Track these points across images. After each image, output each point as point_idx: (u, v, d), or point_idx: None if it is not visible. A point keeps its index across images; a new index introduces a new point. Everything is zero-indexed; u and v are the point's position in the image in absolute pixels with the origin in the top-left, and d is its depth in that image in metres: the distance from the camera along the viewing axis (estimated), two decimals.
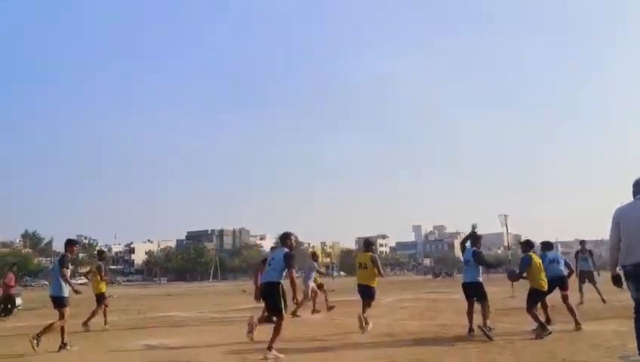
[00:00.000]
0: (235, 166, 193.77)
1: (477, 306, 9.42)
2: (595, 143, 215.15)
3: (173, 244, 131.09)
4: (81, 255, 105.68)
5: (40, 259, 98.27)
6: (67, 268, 9.17)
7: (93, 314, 12.66)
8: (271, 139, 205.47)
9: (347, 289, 36.48)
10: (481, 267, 9.59)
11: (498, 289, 18.42)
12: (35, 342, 8.44)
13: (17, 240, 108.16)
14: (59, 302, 9.03)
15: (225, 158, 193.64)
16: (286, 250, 8.08)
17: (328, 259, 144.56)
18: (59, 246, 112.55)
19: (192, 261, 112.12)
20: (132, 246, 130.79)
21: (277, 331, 7.60)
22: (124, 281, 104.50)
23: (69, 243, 9.82)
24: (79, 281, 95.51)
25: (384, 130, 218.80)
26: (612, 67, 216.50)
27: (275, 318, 7.84)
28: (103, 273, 13.28)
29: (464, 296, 9.66)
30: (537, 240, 9.91)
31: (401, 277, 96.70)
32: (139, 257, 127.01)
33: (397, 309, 16.66)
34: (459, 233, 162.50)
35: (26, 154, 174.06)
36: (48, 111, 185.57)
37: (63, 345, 8.84)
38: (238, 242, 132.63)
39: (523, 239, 10.93)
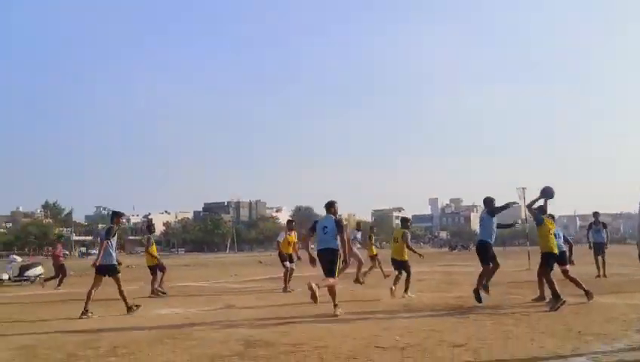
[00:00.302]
0: (252, 139, 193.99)
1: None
2: (618, 118, 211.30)
3: (190, 216, 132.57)
4: (100, 225, 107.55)
5: (60, 229, 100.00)
6: (111, 239, 9.66)
7: (152, 283, 13.42)
8: (293, 113, 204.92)
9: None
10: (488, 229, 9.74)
11: (514, 261, 18.38)
12: (130, 310, 9.51)
13: (38, 211, 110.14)
14: (111, 270, 9.63)
15: (243, 131, 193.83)
16: (333, 217, 8.82)
17: None
18: (78, 217, 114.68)
19: (209, 232, 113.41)
20: (150, 217, 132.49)
21: (332, 292, 8.68)
22: (142, 252, 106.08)
23: (115, 215, 10.28)
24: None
25: (401, 103, 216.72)
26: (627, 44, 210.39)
27: (329, 279, 8.59)
28: (152, 245, 14.20)
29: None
30: (555, 213, 9.75)
31: (417, 250, 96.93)
32: (156, 228, 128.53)
33: (413, 282, 16.70)
34: (475, 206, 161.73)
35: (47, 126, 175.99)
36: (68, 82, 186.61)
37: (85, 312, 9.14)
38: (254, 214, 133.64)
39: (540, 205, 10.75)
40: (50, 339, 6.97)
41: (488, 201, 9.97)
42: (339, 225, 8.63)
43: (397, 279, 11.30)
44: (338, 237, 8.56)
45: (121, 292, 9.62)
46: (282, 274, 13.73)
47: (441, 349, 5.82)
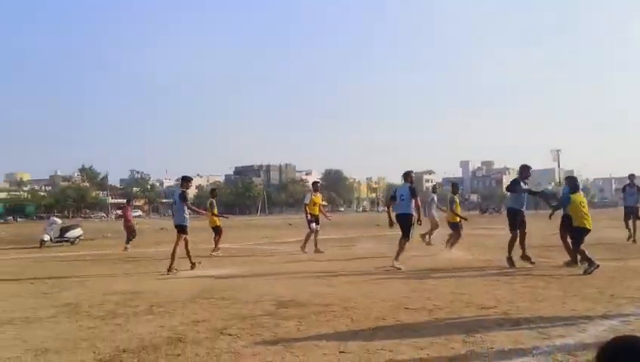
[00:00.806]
0: (281, 102, 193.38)
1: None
2: None
3: (221, 179, 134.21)
4: (135, 189, 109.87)
5: (97, 192, 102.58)
6: (187, 201, 10.93)
7: (216, 243, 14.54)
8: (321, 75, 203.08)
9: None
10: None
11: (545, 225, 18.09)
12: (194, 266, 10.48)
13: (75, 175, 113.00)
14: (182, 229, 10.61)
15: (273, 94, 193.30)
16: (409, 184, 10.28)
17: (374, 195, 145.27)
18: (113, 180, 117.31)
19: (240, 195, 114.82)
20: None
21: (401, 248, 9.92)
22: None
23: (185, 180, 11.52)
24: (134, 214, 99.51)
25: (432, 64, 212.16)
26: None
27: (403, 239, 9.99)
28: (214, 208, 15.62)
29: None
30: (591, 176, 9.55)
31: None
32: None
33: (441, 244, 16.70)
34: (507, 169, 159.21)
35: (83, 91, 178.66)
36: (105, 46, 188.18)
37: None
38: (284, 177, 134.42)
39: (568, 175, 10.67)
40: (92, 298, 7.27)
41: (523, 168, 10.21)
42: (413, 192, 10.08)
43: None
44: (413, 203, 9.95)
45: (187, 251, 10.53)
46: (307, 237, 13.83)
47: (470, 311, 5.86)
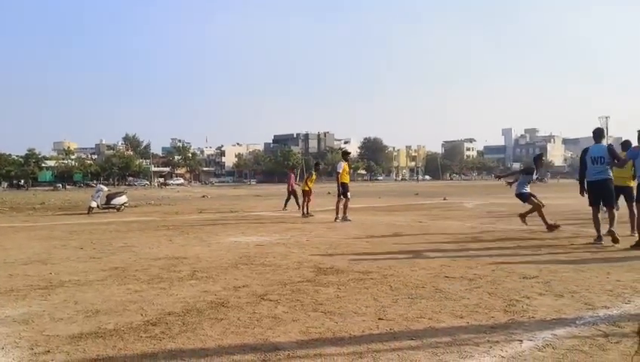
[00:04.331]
0: (321, 71, 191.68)
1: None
2: None
3: (260, 148, 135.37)
4: (176, 157, 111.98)
5: (140, 160, 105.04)
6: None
7: (303, 206, 16.29)
8: (360, 42, 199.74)
9: (429, 193, 36.35)
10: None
11: None
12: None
13: (120, 143, 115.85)
14: (524, 197, 11.04)
15: (312, 64, 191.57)
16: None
17: (413, 163, 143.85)
18: (156, 149, 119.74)
19: (279, 163, 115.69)
20: (222, 149, 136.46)
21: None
22: (216, 182, 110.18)
23: (539, 158, 11.77)
24: (176, 182, 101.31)
25: (476, 23, 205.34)
26: None
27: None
28: (310, 176, 17.29)
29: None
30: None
31: (489, 181, 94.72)
32: (229, 160, 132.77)
33: (482, 214, 16.49)
34: (552, 136, 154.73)
35: (126, 62, 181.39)
36: (140, 20, 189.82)
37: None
38: (322, 146, 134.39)
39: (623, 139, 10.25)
40: (138, 263, 7.52)
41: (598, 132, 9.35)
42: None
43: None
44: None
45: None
46: (341, 204, 13.91)
47: (511, 280, 5.79)
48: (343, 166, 14.10)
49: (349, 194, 13.98)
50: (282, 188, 24.78)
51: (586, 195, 9.20)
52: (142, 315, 4.65)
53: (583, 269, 6.38)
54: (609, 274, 6.03)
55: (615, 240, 8.36)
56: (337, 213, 13.86)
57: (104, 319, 4.55)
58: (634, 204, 8.97)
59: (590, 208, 9.13)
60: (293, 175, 21.08)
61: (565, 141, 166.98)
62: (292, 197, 19.73)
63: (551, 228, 10.39)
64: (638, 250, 7.79)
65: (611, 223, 8.62)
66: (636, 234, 8.70)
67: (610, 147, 8.95)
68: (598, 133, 9.19)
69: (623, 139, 10.17)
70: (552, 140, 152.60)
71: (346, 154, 14.99)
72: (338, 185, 13.99)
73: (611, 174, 8.97)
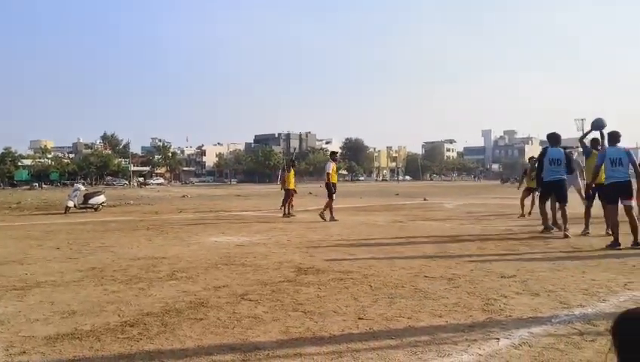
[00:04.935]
0: (302, 71, 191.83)
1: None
2: None
3: (241, 147, 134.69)
4: (156, 157, 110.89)
5: (119, 160, 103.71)
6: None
7: (284, 205, 16.03)
8: (342, 42, 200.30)
9: (410, 193, 36.62)
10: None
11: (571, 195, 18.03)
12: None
13: (98, 142, 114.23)
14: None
15: (294, 63, 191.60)
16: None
17: (394, 164, 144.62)
18: (135, 148, 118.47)
19: (260, 163, 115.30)
20: (203, 148, 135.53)
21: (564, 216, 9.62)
22: (196, 182, 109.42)
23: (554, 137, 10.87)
24: (156, 181, 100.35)
25: (452, 26, 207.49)
26: None
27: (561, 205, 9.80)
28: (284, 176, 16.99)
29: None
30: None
31: (468, 182, 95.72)
32: (210, 159, 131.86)
33: (462, 214, 16.66)
34: (530, 138, 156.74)
35: (104, 60, 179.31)
36: (126, 17, 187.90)
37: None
38: (304, 146, 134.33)
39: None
40: (116, 263, 7.43)
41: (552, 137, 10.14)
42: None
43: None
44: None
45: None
46: (327, 205, 13.97)
47: (490, 280, 5.86)
48: (331, 166, 14.21)
49: (334, 195, 14.07)
50: (263, 188, 24.74)
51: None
52: (119, 316, 4.60)
53: (559, 268, 6.48)
54: (584, 274, 6.13)
55: (566, 236, 9.21)
56: (331, 213, 13.89)
57: (81, 320, 4.49)
58: (610, 206, 9.12)
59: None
60: (287, 174, 21.13)
61: (542, 143, 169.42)
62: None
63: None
64: (612, 250, 7.93)
65: (565, 221, 9.52)
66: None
67: (567, 152, 9.85)
68: (554, 138, 10.06)
69: (592, 137, 10.42)
70: (530, 142, 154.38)
71: (333, 155, 15.15)
72: (328, 186, 14.07)
73: (565, 175, 9.79)
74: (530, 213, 13.39)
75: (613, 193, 8.53)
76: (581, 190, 11.15)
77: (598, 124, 9.92)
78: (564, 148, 10.17)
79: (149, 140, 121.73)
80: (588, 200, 9.76)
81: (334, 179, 14.27)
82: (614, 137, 8.80)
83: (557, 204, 10.00)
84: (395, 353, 3.57)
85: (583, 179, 11.13)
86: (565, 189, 9.86)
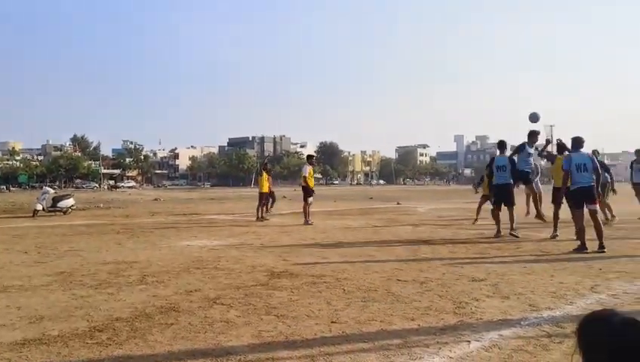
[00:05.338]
0: (277, 74, 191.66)
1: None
2: None
3: (215, 150, 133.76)
4: (128, 159, 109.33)
5: (89, 162, 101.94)
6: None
7: (259, 209, 15.77)
8: (317, 46, 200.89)
9: (383, 197, 36.84)
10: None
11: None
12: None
13: (67, 144, 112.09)
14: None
15: (269, 67, 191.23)
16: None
17: (368, 168, 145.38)
18: (106, 151, 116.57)
19: (234, 167, 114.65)
20: (176, 151, 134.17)
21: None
22: (169, 185, 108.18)
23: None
24: (127, 184, 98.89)
25: (427, 33, 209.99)
26: None
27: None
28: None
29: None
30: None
31: (441, 186, 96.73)
32: (183, 162, 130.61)
33: (434, 218, 16.83)
34: None
35: (75, 60, 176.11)
36: (101, 14, 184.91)
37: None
38: (278, 149, 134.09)
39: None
40: (85, 267, 7.29)
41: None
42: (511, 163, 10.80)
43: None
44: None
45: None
46: (308, 208, 14.00)
47: (461, 283, 5.93)
48: (308, 170, 14.22)
49: (310, 199, 14.07)
50: (237, 192, 24.57)
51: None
52: (88, 321, 4.51)
53: (528, 272, 6.59)
54: (553, 277, 6.25)
55: (515, 236, 9.90)
56: (307, 217, 13.88)
57: (48, 325, 4.39)
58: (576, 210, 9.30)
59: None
60: (270, 178, 21.07)
61: (513, 148, 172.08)
62: (273, 198, 19.65)
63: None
64: (580, 254, 8.10)
65: (512, 222, 10.21)
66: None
67: (510, 158, 10.84)
68: (501, 145, 11.35)
69: (557, 142, 10.87)
70: None
71: (310, 158, 15.15)
72: (304, 189, 14.09)
73: (511, 180, 10.67)
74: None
75: (579, 198, 8.68)
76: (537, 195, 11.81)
77: (533, 118, 11.32)
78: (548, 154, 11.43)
79: (121, 142, 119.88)
80: (556, 204, 9.98)
81: (311, 182, 14.29)
82: (578, 142, 8.99)
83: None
84: (368, 356, 3.59)
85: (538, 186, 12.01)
86: (512, 193, 10.66)
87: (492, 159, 11.22)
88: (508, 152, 11.15)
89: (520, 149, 11.24)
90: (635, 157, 14.89)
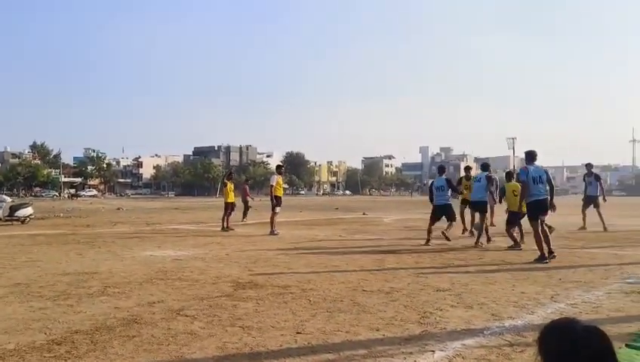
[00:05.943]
0: (243, 85, 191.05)
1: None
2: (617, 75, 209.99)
3: (180, 159, 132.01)
4: (89, 168, 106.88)
5: (49, 170, 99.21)
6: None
7: (224, 219, 15.68)
8: (285, 57, 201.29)
9: (349, 207, 36.97)
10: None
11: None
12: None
13: (26, 152, 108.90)
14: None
15: (234, 76, 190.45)
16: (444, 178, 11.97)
17: (334, 178, 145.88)
18: (67, 159, 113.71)
19: (199, 176, 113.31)
20: (140, 160, 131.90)
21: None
22: (132, 194, 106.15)
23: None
24: (89, 193, 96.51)
25: (391, 47, 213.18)
26: None
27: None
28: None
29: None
30: (543, 164, 9.75)
31: (405, 197, 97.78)
32: (146, 171, 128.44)
33: (400, 228, 16.97)
34: (465, 155, 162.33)
35: (34, 65, 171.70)
36: (62, 21, 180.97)
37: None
38: (244, 159, 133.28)
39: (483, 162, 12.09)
40: (43, 278, 7.07)
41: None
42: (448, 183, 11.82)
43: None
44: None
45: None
46: (270, 218, 13.93)
47: (426, 293, 5.99)
48: (276, 179, 14.17)
49: (277, 208, 14.02)
50: (202, 202, 24.27)
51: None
52: (46, 334, 4.37)
53: (491, 282, 6.71)
54: (514, 287, 6.37)
55: (448, 240, 11.03)
56: (273, 227, 13.80)
57: (4, 339, 4.24)
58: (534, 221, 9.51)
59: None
60: (247, 187, 22.07)
61: (477, 160, 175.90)
62: (248, 208, 20.38)
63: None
64: (540, 264, 8.30)
65: (447, 228, 11.23)
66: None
67: (447, 179, 11.83)
68: (440, 169, 12.47)
69: (482, 163, 11.75)
70: (465, 159, 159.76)
71: (279, 168, 15.12)
72: (272, 198, 14.01)
73: (450, 200, 11.67)
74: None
75: (535, 210, 8.92)
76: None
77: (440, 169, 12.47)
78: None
79: (83, 150, 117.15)
80: (511, 225, 10.53)
81: (280, 192, 14.22)
82: (532, 156, 9.24)
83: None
84: None
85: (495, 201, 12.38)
86: (452, 210, 11.53)
87: (432, 182, 12.17)
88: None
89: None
90: (586, 171, 15.51)
